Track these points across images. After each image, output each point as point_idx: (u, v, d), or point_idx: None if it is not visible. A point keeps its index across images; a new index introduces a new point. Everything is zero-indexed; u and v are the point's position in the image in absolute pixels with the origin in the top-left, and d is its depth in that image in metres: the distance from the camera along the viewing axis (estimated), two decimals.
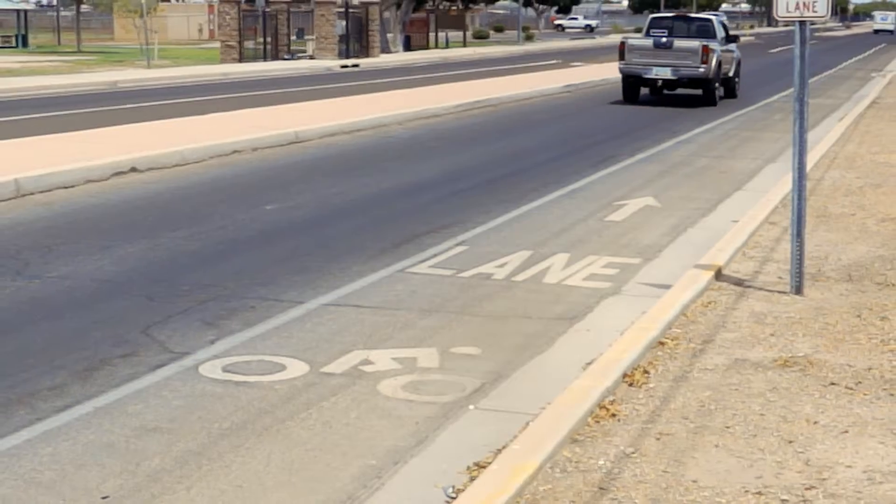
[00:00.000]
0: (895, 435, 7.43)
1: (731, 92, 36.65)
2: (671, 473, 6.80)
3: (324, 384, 8.60)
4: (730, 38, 36.65)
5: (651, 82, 34.94)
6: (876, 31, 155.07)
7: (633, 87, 35.32)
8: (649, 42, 34.64)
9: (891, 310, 10.57)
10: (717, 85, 34.76)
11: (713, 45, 34.33)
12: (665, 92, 35.86)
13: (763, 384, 8.45)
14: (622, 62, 34.96)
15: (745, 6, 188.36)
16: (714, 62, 34.10)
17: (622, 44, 35.40)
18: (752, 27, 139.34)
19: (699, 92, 34.98)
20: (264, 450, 7.35)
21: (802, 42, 11.09)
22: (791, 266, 11.25)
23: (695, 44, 34.05)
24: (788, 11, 11.10)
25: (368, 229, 14.57)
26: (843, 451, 7.16)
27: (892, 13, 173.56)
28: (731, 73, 36.40)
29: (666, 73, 34.11)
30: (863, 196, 17.13)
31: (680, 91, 35.92)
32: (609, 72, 49.90)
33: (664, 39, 34.53)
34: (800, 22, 11.11)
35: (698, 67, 33.86)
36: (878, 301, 10.92)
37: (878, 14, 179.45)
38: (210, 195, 17.25)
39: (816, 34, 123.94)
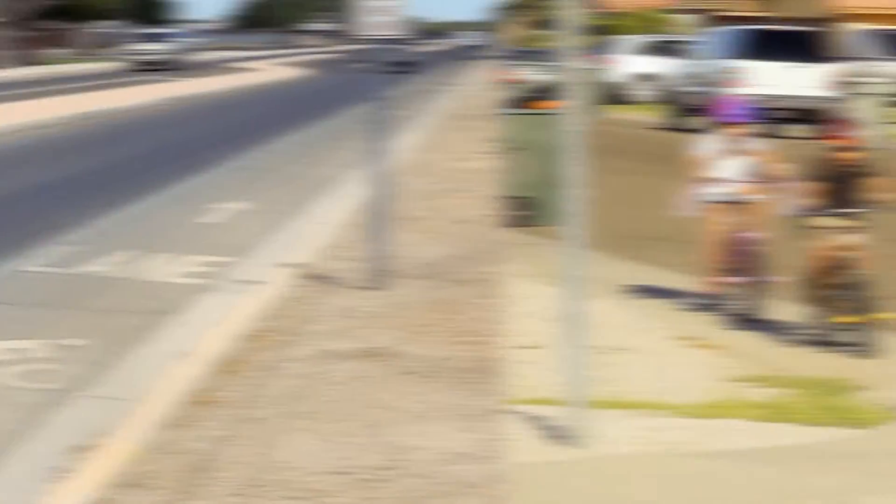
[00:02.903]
0: (466, 420, 7.66)
1: None
2: (264, 455, 6.84)
3: None
4: None
5: None
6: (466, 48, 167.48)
7: None
8: None
9: (463, 304, 10.90)
10: None
11: None
12: None
13: (347, 373, 8.58)
14: None
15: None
16: None
17: None
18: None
19: None
20: None
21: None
22: (373, 264, 11.46)
23: None
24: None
25: None
26: (420, 434, 7.33)
27: (475, 33, 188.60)
28: None
29: None
30: (438, 200, 17.57)
31: None
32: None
33: None
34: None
35: None
36: (452, 296, 11.23)
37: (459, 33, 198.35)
38: None
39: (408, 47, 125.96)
